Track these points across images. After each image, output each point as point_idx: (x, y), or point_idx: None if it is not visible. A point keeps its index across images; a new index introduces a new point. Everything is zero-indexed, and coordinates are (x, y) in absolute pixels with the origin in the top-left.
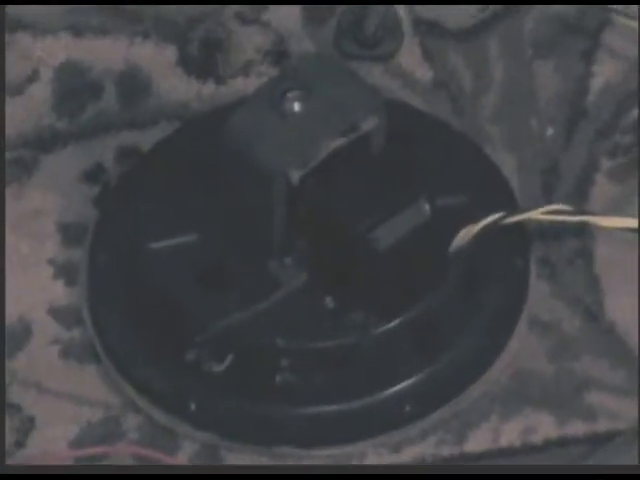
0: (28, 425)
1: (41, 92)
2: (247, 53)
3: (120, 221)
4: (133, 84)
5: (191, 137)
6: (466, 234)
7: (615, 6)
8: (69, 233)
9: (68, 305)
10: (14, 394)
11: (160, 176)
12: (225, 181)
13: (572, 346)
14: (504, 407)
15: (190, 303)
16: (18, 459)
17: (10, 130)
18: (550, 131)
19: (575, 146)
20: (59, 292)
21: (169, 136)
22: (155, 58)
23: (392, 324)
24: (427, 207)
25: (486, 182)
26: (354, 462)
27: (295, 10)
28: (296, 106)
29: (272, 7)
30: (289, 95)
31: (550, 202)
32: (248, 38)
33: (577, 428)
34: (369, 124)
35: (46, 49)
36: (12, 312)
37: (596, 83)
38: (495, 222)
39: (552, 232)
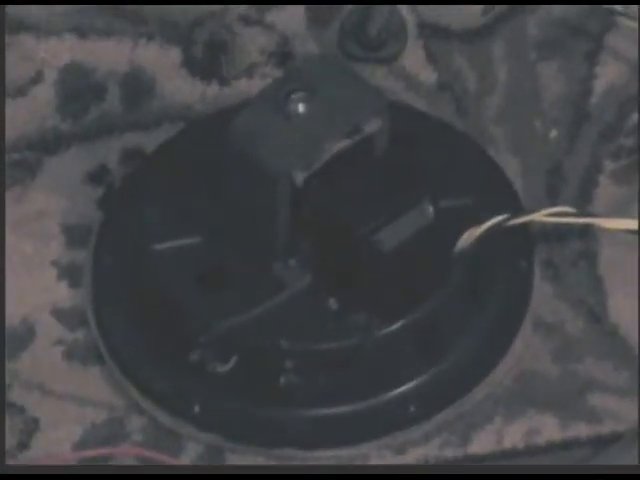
0: (32, 426)
1: (45, 93)
2: (251, 55)
3: (124, 223)
4: (137, 86)
5: (195, 139)
6: (470, 236)
7: (616, 7)
8: (73, 234)
9: (72, 306)
10: (17, 395)
11: (164, 177)
12: (229, 183)
13: (576, 348)
14: (508, 409)
15: (194, 304)
16: (22, 461)
17: (14, 132)
18: (554, 133)
19: (579, 148)
20: (63, 293)
21: (173, 137)
22: (159, 60)
23: (396, 326)
24: (431, 209)
25: (490, 184)
26: (358, 463)
27: (299, 12)
28: (300, 107)
29: (276, 9)
30: (293, 97)
31: (554, 204)
32: (252, 40)
33: (581, 430)
34: (373, 126)
35: (50, 50)
36: (16, 313)
37: (599, 85)
38: (499, 224)
39: (556, 234)
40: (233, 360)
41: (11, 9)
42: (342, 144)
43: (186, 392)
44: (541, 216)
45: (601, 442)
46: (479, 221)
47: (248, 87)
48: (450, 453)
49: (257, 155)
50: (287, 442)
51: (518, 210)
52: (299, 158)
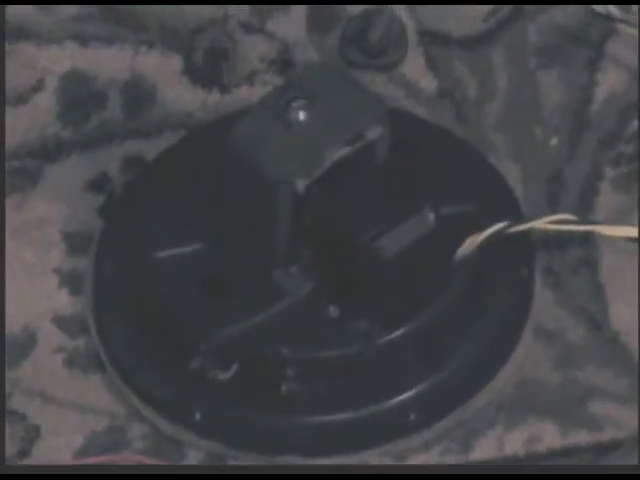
0: (33, 434)
1: (46, 101)
2: (252, 62)
3: (125, 230)
4: (138, 93)
5: (196, 146)
6: (471, 243)
7: (616, 13)
8: (74, 242)
9: (73, 314)
10: (18, 403)
11: (165, 185)
12: (230, 190)
13: (576, 355)
14: (509, 416)
15: (195, 312)
16: None
17: (15, 139)
18: (554, 140)
19: (579, 155)
20: (64, 301)
21: (174, 145)
22: (160, 67)
23: (397, 333)
24: (432, 216)
25: (490, 191)
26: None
27: (300, 19)
28: (301, 115)
29: (277, 16)
30: (294, 104)
31: (554, 211)
32: (253, 47)
33: (581, 437)
34: (373, 133)
35: (51, 58)
36: (17, 321)
37: (600, 92)
38: (500, 231)
39: (556, 241)
40: (234, 368)
41: (12, 17)
42: (343, 151)
43: (187, 400)
44: (542, 223)
45: (601, 449)
46: (480, 228)
47: (249, 95)
48: (451, 460)
49: (258, 163)
50: (288, 450)
51: (519, 217)
52: (300, 165)
